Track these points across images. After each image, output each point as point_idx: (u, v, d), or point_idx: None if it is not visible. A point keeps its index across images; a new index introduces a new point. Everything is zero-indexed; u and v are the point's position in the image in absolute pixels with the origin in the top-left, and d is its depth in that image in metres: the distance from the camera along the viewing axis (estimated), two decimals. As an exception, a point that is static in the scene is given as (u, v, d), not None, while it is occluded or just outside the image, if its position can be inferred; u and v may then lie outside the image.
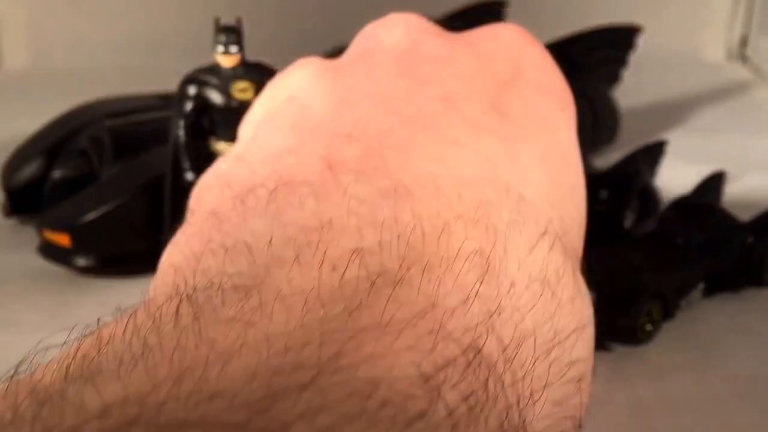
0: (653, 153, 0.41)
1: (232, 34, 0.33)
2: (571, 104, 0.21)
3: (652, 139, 0.44)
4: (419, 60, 0.19)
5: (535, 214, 0.16)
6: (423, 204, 0.15)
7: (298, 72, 0.21)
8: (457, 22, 0.52)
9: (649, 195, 0.40)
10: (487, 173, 0.16)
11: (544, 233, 0.16)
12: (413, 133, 0.16)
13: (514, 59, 0.20)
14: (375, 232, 0.14)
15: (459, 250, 0.14)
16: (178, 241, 0.17)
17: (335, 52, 0.48)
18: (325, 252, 0.14)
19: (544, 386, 0.15)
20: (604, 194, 0.38)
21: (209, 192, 0.18)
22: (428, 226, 0.14)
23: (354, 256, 0.13)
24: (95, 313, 0.17)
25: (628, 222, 0.43)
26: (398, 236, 0.14)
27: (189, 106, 0.34)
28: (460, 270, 0.14)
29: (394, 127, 0.16)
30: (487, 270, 0.14)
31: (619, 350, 0.32)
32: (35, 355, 0.16)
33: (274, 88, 0.21)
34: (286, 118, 0.18)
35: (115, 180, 0.37)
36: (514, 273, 0.15)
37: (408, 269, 0.13)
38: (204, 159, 0.32)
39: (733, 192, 0.46)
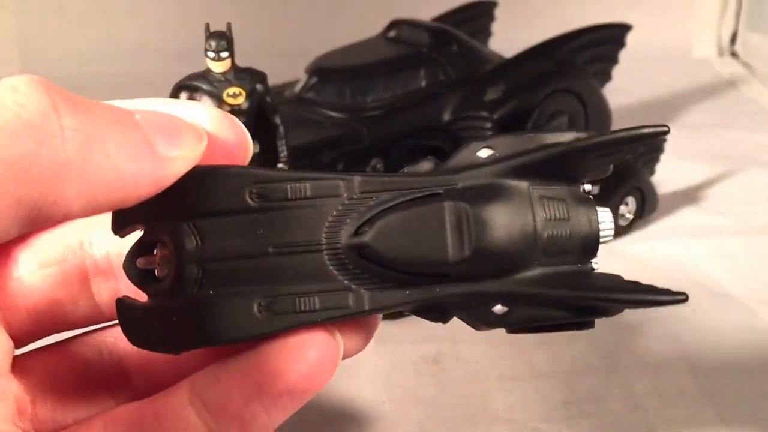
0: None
1: (222, 39, 0.33)
2: None
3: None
4: None
5: None
6: None
7: None
8: (450, 21, 0.52)
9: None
10: None
11: None
12: None
13: None
14: None
15: None
16: None
17: (326, 58, 0.48)
18: None
19: None
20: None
21: None
22: None
23: None
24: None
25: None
26: None
27: (181, 112, 0.34)
28: None
29: None
30: None
31: (615, 345, 0.32)
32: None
33: None
34: None
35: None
36: None
37: None
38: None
39: (726, 186, 0.46)
